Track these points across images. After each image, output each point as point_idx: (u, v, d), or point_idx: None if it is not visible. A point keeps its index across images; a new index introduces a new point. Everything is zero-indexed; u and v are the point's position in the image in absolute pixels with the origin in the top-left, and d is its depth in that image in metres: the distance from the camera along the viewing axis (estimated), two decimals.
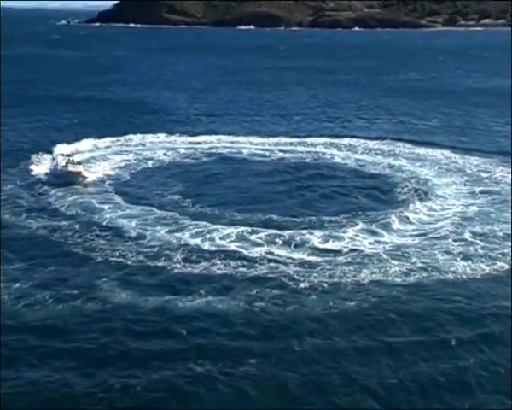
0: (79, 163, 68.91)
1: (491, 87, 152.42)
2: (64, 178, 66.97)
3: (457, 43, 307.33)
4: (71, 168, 67.48)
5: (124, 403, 31.90)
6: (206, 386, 33.11)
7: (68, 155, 71.56)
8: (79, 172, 67.10)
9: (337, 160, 78.87)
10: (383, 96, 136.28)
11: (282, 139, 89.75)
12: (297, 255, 48.44)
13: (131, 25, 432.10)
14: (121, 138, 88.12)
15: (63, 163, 68.41)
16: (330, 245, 50.49)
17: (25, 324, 38.82)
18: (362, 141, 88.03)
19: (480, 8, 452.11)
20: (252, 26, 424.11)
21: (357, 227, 54.39)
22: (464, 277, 45.72)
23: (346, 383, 33.48)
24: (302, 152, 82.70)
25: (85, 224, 55.50)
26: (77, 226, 54.77)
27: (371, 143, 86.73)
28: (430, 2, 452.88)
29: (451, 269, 46.67)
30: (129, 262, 47.54)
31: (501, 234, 53.43)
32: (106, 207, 59.89)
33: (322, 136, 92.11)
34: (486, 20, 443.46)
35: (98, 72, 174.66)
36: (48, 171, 70.56)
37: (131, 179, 70.12)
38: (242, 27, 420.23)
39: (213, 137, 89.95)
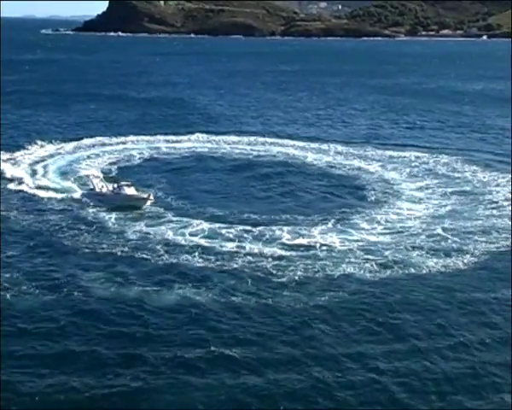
0: (129, 185, 57.95)
1: (458, 90, 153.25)
2: (127, 202, 55.93)
3: (433, 50, 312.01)
4: (136, 193, 56.69)
5: (108, 390, 29.99)
6: (186, 373, 31.15)
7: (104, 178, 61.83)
8: (148, 197, 56.25)
9: (309, 161, 75.90)
10: (355, 99, 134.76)
11: (259, 139, 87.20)
12: (271, 251, 45.96)
13: (115, 33, 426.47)
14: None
15: (123, 187, 57.10)
16: (302, 241, 47.93)
17: (13, 312, 36.83)
18: (332, 143, 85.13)
19: (439, 20, 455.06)
20: (241, 36, 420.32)
21: (330, 225, 51.80)
22: (436, 271, 43.16)
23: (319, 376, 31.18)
24: (276, 152, 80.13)
25: (72, 218, 53.34)
26: (64, 220, 52.44)
27: (343, 146, 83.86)
28: (393, 13, 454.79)
29: (424, 264, 44.01)
30: (113, 254, 45.47)
31: (473, 230, 50.67)
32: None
33: (296, 137, 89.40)
34: (445, 31, 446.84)
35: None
36: (95, 193, 58.81)
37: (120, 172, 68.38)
38: (231, 37, 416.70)
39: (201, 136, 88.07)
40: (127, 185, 57.61)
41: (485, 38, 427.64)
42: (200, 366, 31.61)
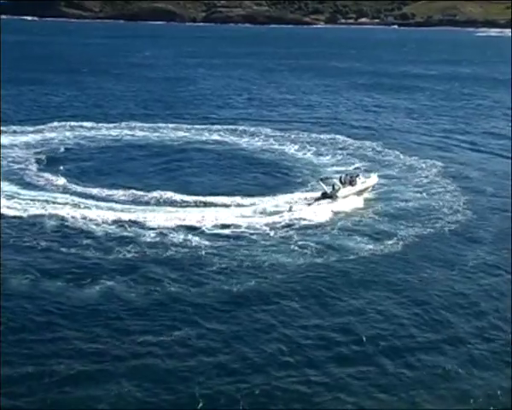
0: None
1: (381, 72, 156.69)
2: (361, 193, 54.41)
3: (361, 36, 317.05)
4: (367, 182, 55.90)
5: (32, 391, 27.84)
6: (111, 367, 29.64)
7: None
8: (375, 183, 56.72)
9: (239, 145, 74.41)
10: (294, 81, 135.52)
11: (184, 126, 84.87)
12: (194, 239, 44.15)
13: (29, 18, 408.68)
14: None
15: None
16: (225, 230, 46.39)
17: None
18: (262, 128, 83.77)
19: (357, 9, 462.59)
20: (162, 22, 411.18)
21: (260, 209, 50.52)
22: (370, 254, 42.50)
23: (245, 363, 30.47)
24: (207, 138, 78.18)
25: None
26: None
27: (270, 130, 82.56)
28: (313, 1, 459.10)
29: (358, 248, 43.40)
30: (33, 247, 42.69)
31: (405, 213, 50.67)
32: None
33: (224, 122, 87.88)
34: (363, 19, 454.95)
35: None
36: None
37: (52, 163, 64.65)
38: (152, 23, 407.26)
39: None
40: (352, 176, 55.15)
41: (397, 27, 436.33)
42: (125, 357, 30.24)
